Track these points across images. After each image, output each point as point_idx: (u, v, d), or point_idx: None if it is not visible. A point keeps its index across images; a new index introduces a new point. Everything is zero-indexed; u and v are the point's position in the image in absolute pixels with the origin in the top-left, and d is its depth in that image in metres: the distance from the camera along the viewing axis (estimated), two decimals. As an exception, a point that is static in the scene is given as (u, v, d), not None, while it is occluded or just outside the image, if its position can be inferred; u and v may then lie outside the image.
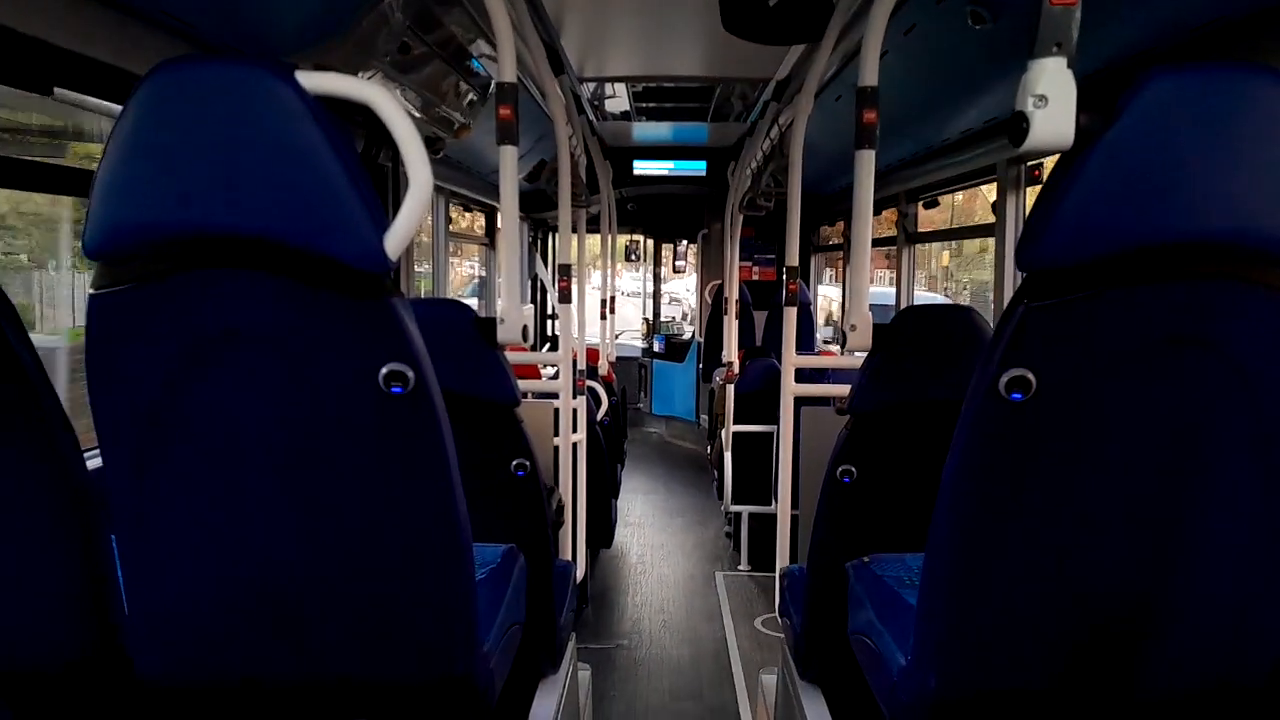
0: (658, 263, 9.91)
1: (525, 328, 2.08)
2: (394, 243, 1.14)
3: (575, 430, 3.11)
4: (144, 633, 1.33)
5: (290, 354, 1.17)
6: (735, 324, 5.63)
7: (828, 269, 9.24)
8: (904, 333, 1.96)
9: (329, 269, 1.13)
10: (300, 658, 1.33)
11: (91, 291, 1.16)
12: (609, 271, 7.08)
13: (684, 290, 12.10)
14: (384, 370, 1.15)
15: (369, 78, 2.77)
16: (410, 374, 1.16)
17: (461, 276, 9.80)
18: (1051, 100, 1.08)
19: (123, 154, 1.12)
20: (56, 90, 1.77)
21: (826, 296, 9.72)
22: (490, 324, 2.05)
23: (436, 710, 1.44)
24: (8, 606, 1.35)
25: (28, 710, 1.34)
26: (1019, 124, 1.10)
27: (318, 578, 1.28)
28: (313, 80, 1.11)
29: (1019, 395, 1.13)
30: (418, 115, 3.36)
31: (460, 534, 1.28)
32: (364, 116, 1.17)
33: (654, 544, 5.55)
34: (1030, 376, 1.13)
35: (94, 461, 1.29)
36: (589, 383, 3.94)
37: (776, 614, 2.85)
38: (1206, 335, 1.11)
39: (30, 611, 1.36)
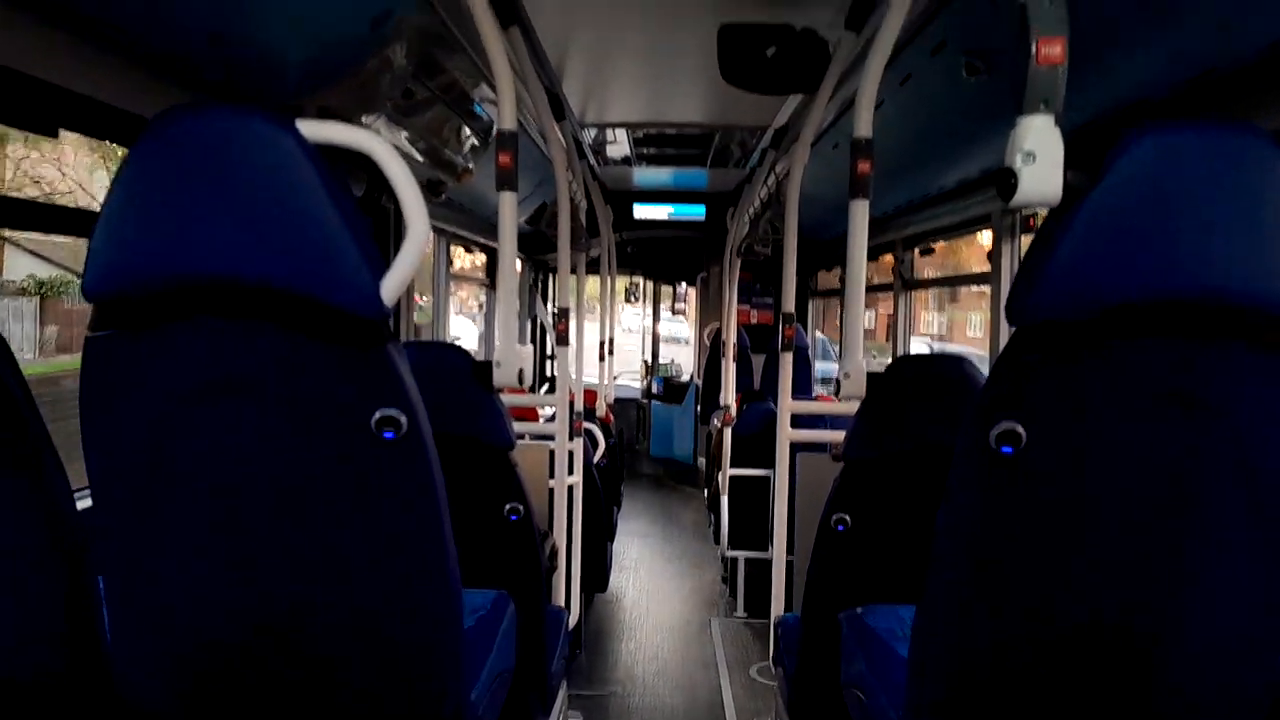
0: (657, 305, 9.95)
1: (521, 370, 2.08)
2: (390, 289, 1.15)
3: (571, 473, 3.10)
4: (129, 673, 1.32)
5: (284, 399, 1.17)
6: (733, 367, 5.64)
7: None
8: (898, 381, 1.96)
9: (324, 315, 1.13)
10: (287, 701, 1.32)
11: (89, 334, 1.16)
12: (608, 313, 7.11)
13: (683, 331, 12.16)
14: (376, 415, 1.16)
15: (373, 121, 2.81)
16: (403, 419, 1.16)
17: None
18: (1039, 156, 1.10)
19: (125, 198, 1.13)
20: (61, 132, 1.80)
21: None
22: (486, 367, 2.05)
23: None
24: None
25: None
26: (1007, 179, 1.11)
27: (306, 621, 1.27)
28: (313, 129, 1.13)
29: (1009, 449, 1.13)
30: (420, 160, 3.40)
31: (450, 580, 1.27)
32: (367, 160, 1.19)
33: (649, 589, 5.50)
34: (1020, 430, 1.13)
35: (83, 502, 1.28)
36: (586, 425, 3.94)
37: (770, 663, 2.81)
38: (1193, 392, 1.11)
39: (17, 659, 1.35)
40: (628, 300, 10.25)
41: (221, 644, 1.29)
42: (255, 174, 1.11)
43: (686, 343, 11.77)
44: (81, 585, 1.34)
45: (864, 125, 2.09)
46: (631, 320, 13.81)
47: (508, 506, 2.14)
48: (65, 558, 1.33)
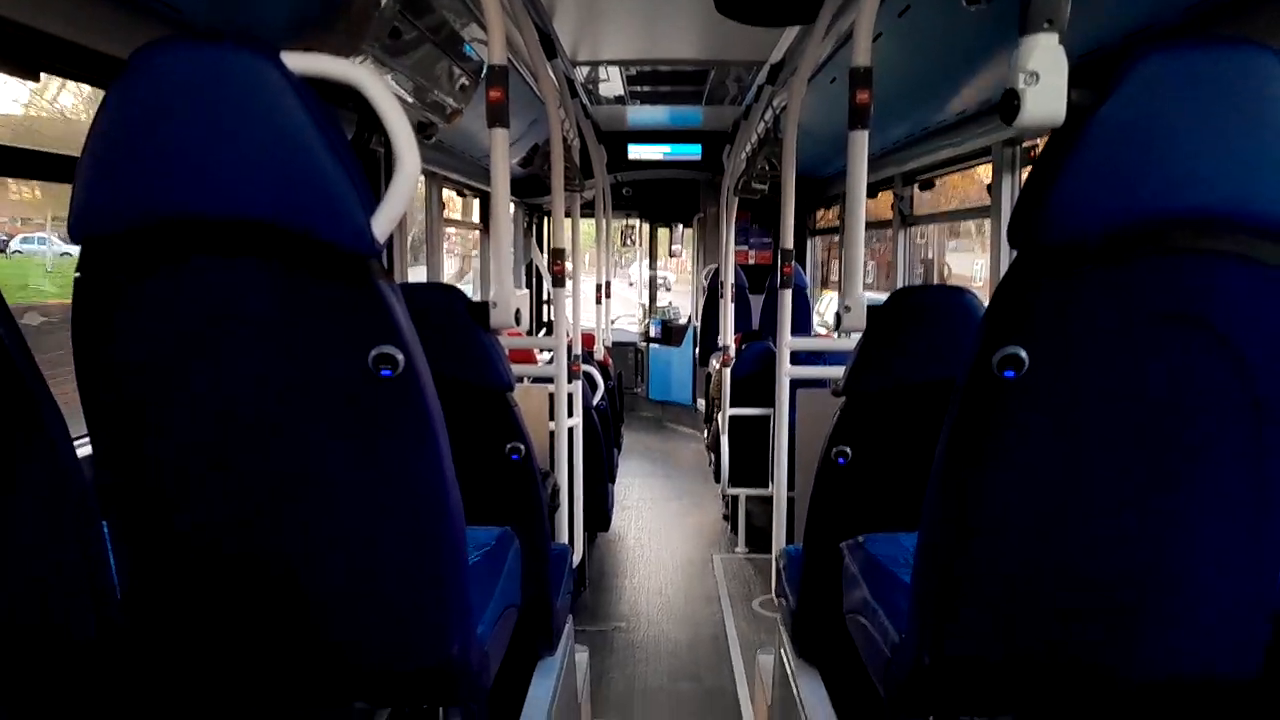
0: (654, 247, 9.90)
1: (518, 311, 2.08)
2: (382, 224, 1.14)
3: (571, 415, 3.11)
4: (138, 616, 1.34)
5: (278, 337, 1.16)
6: (731, 308, 5.63)
7: (951, 239, 8.42)
8: (898, 313, 1.96)
9: (317, 251, 1.12)
10: (294, 638, 1.34)
11: (77, 275, 1.15)
12: (604, 256, 7.07)
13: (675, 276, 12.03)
14: (373, 353, 1.15)
15: (360, 63, 2.76)
16: (400, 357, 1.16)
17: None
18: (1043, 77, 1.08)
19: (107, 137, 1.11)
20: (43, 75, 1.76)
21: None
22: (483, 308, 2.05)
23: (431, 691, 1.45)
24: (3, 591, 1.35)
25: (26, 697, 1.34)
26: (1010, 101, 1.09)
27: (310, 559, 1.28)
28: (298, 61, 1.10)
29: (1011, 373, 1.13)
30: (410, 100, 3.35)
31: (451, 516, 1.28)
32: (355, 102, 1.17)
33: (651, 527, 5.57)
34: (1022, 354, 1.13)
35: (83, 449, 1.28)
36: (585, 367, 3.94)
37: (773, 595, 2.86)
38: (1198, 311, 1.11)
39: (25, 599, 1.37)
40: (623, 244, 10.18)
41: (225, 583, 1.30)
42: (240, 108, 1.08)
43: (668, 289, 11.67)
44: (87, 530, 1.35)
45: (862, 54, 2.05)
46: (632, 273, 13.69)
47: (508, 446, 2.15)
48: (72, 505, 1.34)
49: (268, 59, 1.08)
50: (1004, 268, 3.49)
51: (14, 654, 1.35)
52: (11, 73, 1.68)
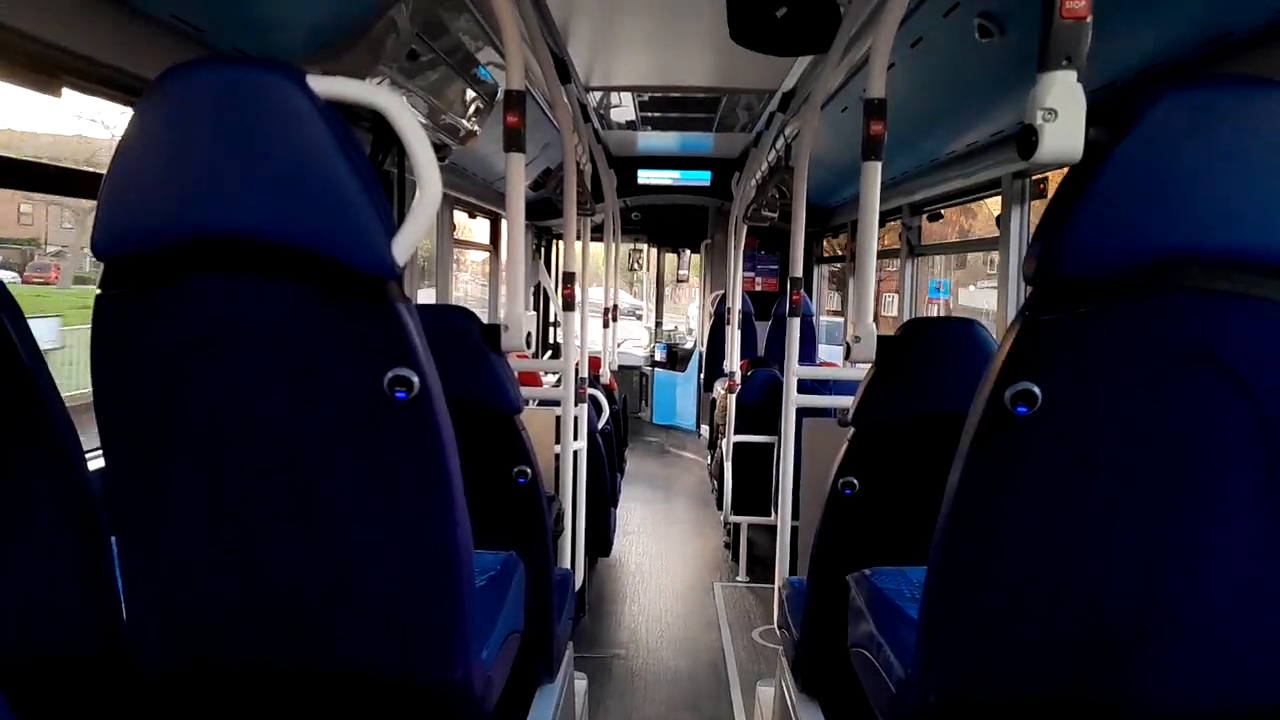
0: (660, 272, 9.92)
1: (529, 334, 2.08)
2: (402, 248, 1.14)
3: (576, 438, 3.10)
4: (143, 631, 1.33)
5: (296, 357, 1.16)
6: (738, 334, 5.63)
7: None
8: (908, 345, 1.95)
9: (337, 273, 1.13)
10: (298, 659, 1.33)
11: (99, 292, 1.16)
12: (612, 280, 7.09)
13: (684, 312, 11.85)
14: (389, 375, 1.15)
15: (377, 84, 2.78)
16: (415, 379, 1.16)
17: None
18: (1061, 113, 1.08)
19: (133, 156, 1.12)
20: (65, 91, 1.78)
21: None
22: (494, 331, 2.05)
23: (433, 714, 1.44)
24: (8, 603, 1.35)
25: (28, 705, 1.34)
26: (1028, 137, 1.10)
27: (317, 580, 1.27)
28: (323, 85, 1.11)
29: (1024, 409, 1.13)
30: (424, 122, 3.37)
31: (460, 540, 1.28)
32: (370, 122, 1.18)
33: (653, 553, 5.54)
34: (1036, 390, 1.12)
35: (96, 462, 1.28)
36: (590, 391, 3.94)
37: (775, 626, 2.84)
38: (1212, 350, 1.11)
39: (31, 610, 1.36)
40: (630, 269, 10.20)
41: (228, 602, 1.30)
42: (265, 129, 1.09)
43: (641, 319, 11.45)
44: (96, 546, 1.35)
45: (877, 85, 2.06)
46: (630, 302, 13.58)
47: (515, 469, 2.14)
48: (80, 520, 1.34)
49: (294, 82, 1.09)
50: (1012, 298, 3.49)
51: (17, 664, 1.34)
52: (36, 89, 1.70)
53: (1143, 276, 1.08)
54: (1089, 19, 1.09)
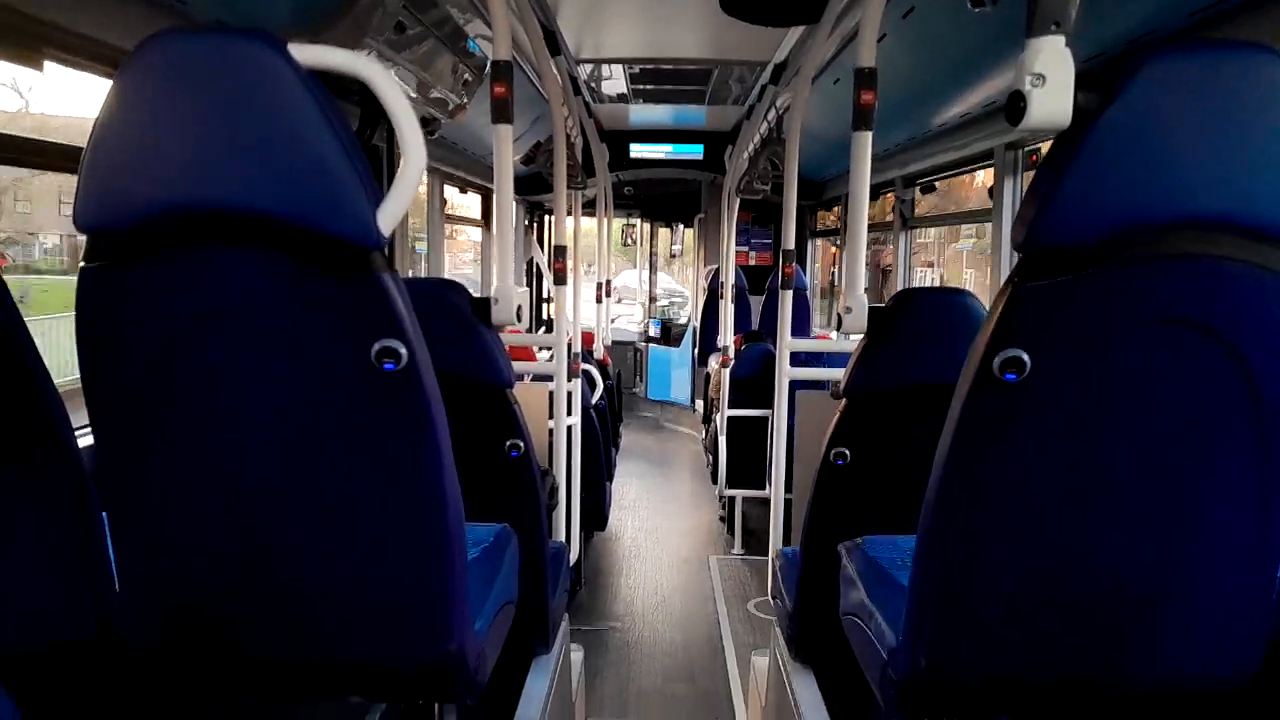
0: (653, 247, 9.90)
1: (520, 308, 2.07)
2: (387, 218, 1.14)
3: (570, 413, 3.11)
4: (136, 608, 1.33)
5: (282, 329, 1.16)
6: (731, 308, 5.63)
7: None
8: (899, 316, 1.96)
9: (322, 244, 1.12)
10: (292, 633, 1.33)
11: (82, 265, 1.15)
12: (605, 254, 7.07)
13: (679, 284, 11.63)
14: (376, 347, 1.15)
15: (364, 56, 2.75)
16: (403, 351, 1.15)
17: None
18: (1049, 79, 1.07)
19: (113, 126, 1.11)
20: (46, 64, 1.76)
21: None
22: (485, 304, 2.04)
23: (428, 687, 1.45)
24: (3, 587, 1.35)
25: (22, 687, 1.34)
26: (1016, 103, 1.09)
27: (309, 553, 1.28)
28: (306, 54, 1.10)
29: (1013, 376, 1.13)
30: (413, 96, 3.34)
31: (451, 511, 1.28)
32: (358, 97, 1.16)
33: (648, 527, 5.57)
34: (1024, 357, 1.13)
35: (85, 439, 1.28)
36: (584, 366, 3.94)
37: (769, 597, 2.86)
38: (1202, 316, 1.11)
39: (24, 591, 1.36)
40: (624, 244, 10.15)
41: (219, 576, 1.30)
42: (247, 98, 1.08)
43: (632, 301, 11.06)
44: (87, 520, 1.35)
45: (867, 55, 2.05)
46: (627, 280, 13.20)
47: (508, 443, 2.15)
48: (71, 494, 1.33)
49: (276, 51, 1.08)
50: (1004, 268, 3.50)
51: (14, 651, 1.34)
52: (16, 62, 1.68)
53: (1130, 242, 1.08)
54: None
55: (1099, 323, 1.12)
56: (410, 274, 4.43)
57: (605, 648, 3.83)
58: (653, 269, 9.99)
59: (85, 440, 1.28)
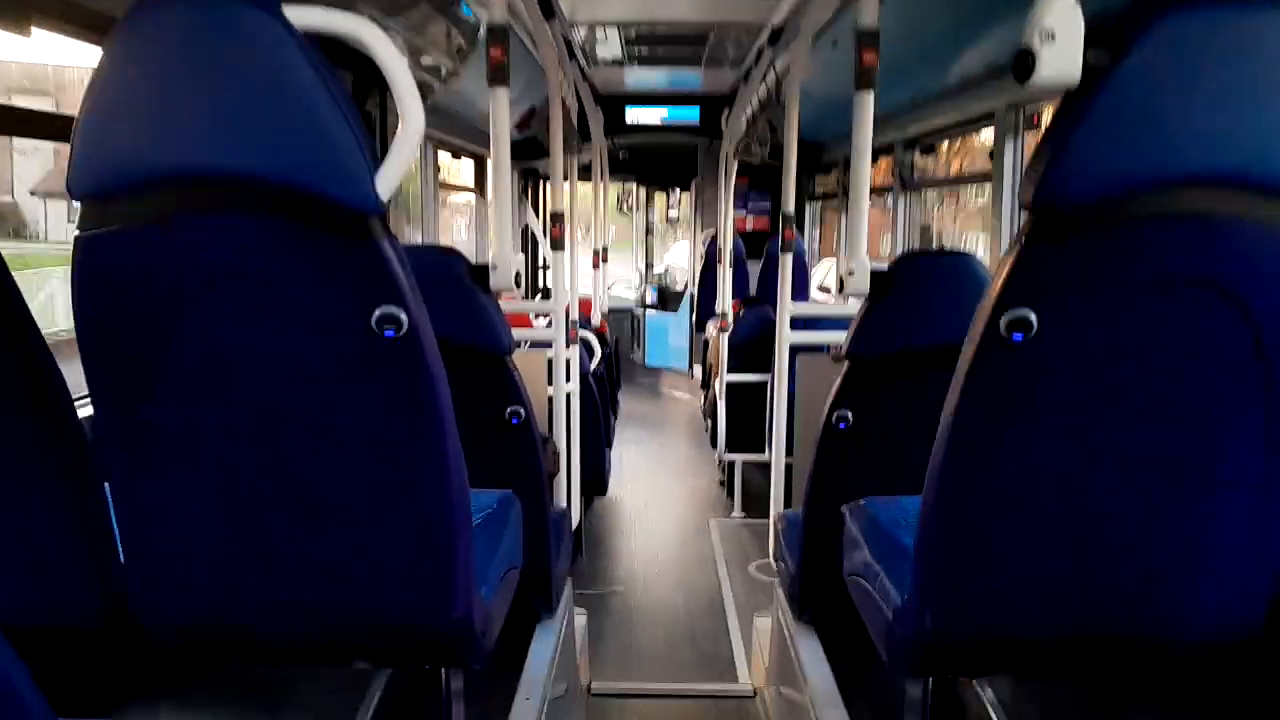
0: (649, 212, 9.83)
1: (518, 274, 2.06)
2: (385, 182, 1.12)
3: (569, 380, 3.11)
4: (140, 578, 1.33)
5: (282, 296, 1.15)
6: (729, 274, 5.61)
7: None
8: (902, 278, 1.95)
9: (320, 208, 1.10)
10: (297, 600, 1.34)
11: (78, 233, 1.14)
12: (601, 220, 7.03)
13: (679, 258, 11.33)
14: (376, 313, 1.14)
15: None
16: (403, 318, 1.14)
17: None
18: (1059, 36, 1.06)
19: (106, 92, 1.09)
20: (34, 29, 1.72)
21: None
22: (483, 271, 2.03)
23: (435, 652, 1.45)
24: (7, 561, 1.35)
25: (32, 663, 1.35)
26: (1025, 61, 1.07)
27: (313, 521, 1.28)
28: (300, 15, 1.07)
29: (1019, 335, 1.13)
30: (406, 62, 3.30)
31: (455, 478, 1.28)
32: (351, 62, 1.14)
33: (648, 493, 5.59)
34: (1031, 316, 1.12)
35: (84, 410, 1.27)
36: (582, 333, 3.93)
37: (770, 559, 2.88)
38: (1210, 274, 1.10)
39: (29, 565, 1.36)
40: (619, 210, 10.08)
41: (222, 544, 1.30)
42: (242, 63, 1.06)
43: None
44: (89, 492, 1.34)
45: (869, 14, 2.02)
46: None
47: (508, 410, 2.15)
48: (72, 467, 1.33)
49: (270, 13, 1.05)
50: (1006, 230, 3.47)
51: (17, 613, 1.35)
52: (4, 28, 1.65)
53: (1141, 200, 1.07)
54: None
55: (1108, 282, 1.11)
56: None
57: (608, 611, 3.86)
58: (649, 233, 9.93)
59: (84, 411, 1.28)
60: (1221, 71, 1.04)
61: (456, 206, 8.08)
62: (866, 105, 2.08)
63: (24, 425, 1.29)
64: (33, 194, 16.30)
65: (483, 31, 3.55)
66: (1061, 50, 1.06)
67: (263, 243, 1.12)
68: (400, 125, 1.15)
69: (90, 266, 1.15)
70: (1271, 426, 1.17)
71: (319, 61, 1.07)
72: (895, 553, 1.55)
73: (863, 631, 1.64)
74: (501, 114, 2.06)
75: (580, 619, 2.95)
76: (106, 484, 1.31)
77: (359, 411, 1.22)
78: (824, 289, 7.34)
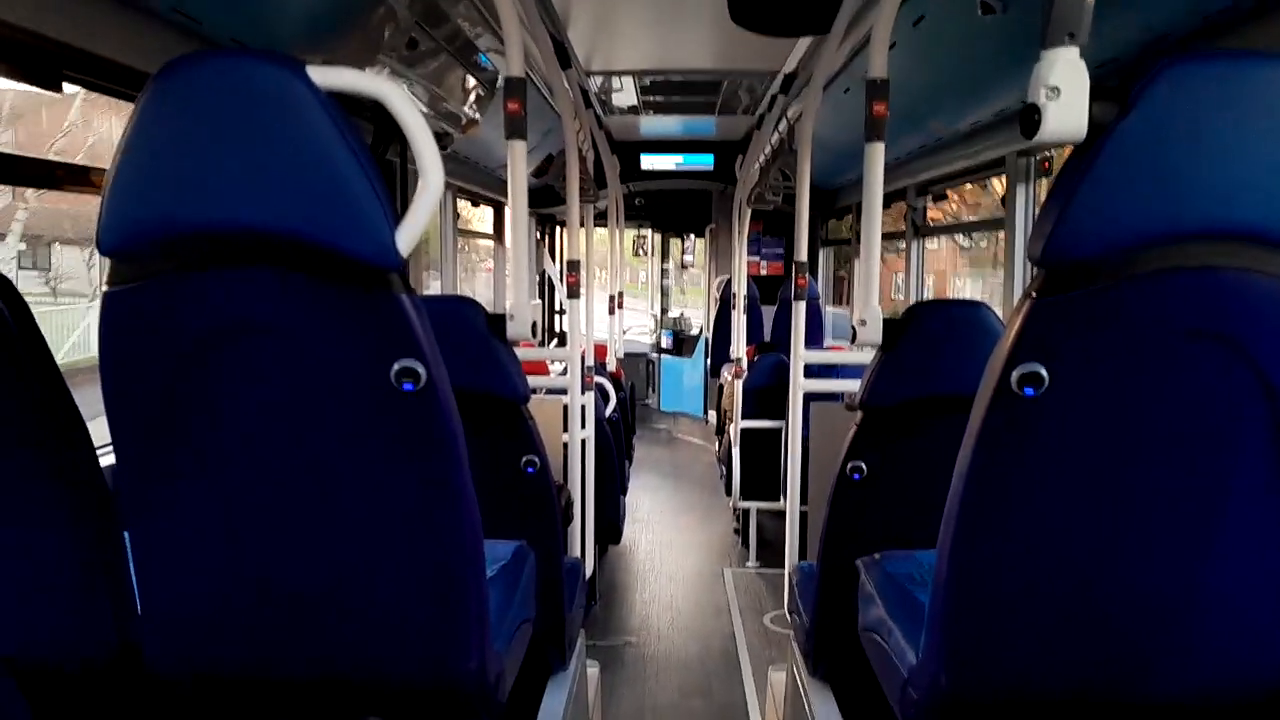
0: (664, 257, 9.90)
1: (535, 324, 2.07)
2: (405, 238, 1.14)
3: (584, 426, 3.11)
4: (156, 627, 1.33)
5: (302, 350, 1.16)
6: (743, 319, 5.62)
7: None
8: (915, 328, 1.94)
9: (341, 265, 1.12)
10: (311, 653, 1.33)
11: (106, 289, 1.16)
12: (617, 266, 7.08)
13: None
14: (395, 367, 1.15)
15: (376, 74, 2.77)
16: (422, 371, 1.15)
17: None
18: (1064, 91, 1.07)
19: (136, 150, 1.11)
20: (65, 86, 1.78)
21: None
22: (500, 320, 2.05)
23: (448, 707, 1.44)
24: (25, 603, 1.36)
25: (44, 705, 1.34)
26: (1031, 116, 1.08)
27: (329, 573, 1.28)
28: (324, 75, 1.10)
29: (1031, 390, 1.12)
30: (425, 111, 3.36)
31: (471, 531, 1.28)
32: (371, 112, 1.17)
33: (662, 540, 5.55)
34: (1043, 371, 1.11)
35: (107, 459, 1.29)
36: (597, 379, 3.94)
37: (785, 611, 2.84)
38: (1221, 328, 1.10)
39: (47, 608, 1.37)
40: (635, 255, 10.14)
41: (238, 594, 1.30)
42: (267, 121, 1.09)
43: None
44: (109, 540, 1.35)
45: (879, 66, 2.05)
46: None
47: (524, 459, 2.14)
48: (93, 514, 1.34)
49: (294, 73, 1.08)
50: (1018, 277, 3.47)
51: (34, 659, 1.35)
52: (36, 84, 1.70)
53: (1149, 255, 1.07)
54: None
55: (1118, 337, 1.11)
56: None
57: (621, 663, 3.81)
58: (664, 278, 9.98)
59: (106, 459, 1.29)
60: (1226, 125, 1.05)
61: (478, 249, 8.14)
62: (877, 157, 2.10)
63: (45, 470, 1.31)
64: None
65: (501, 82, 3.62)
66: (1067, 106, 1.07)
67: (285, 297, 1.14)
68: (420, 184, 1.17)
69: (117, 321, 1.17)
70: None
71: (342, 120, 1.10)
72: (910, 609, 1.53)
73: (878, 689, 1.61)
74: (519, 167, 2.09)
75: (593, 671, 2.91)
76: (126, 532, 1.32)
77: (376, 463, 1.22)
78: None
